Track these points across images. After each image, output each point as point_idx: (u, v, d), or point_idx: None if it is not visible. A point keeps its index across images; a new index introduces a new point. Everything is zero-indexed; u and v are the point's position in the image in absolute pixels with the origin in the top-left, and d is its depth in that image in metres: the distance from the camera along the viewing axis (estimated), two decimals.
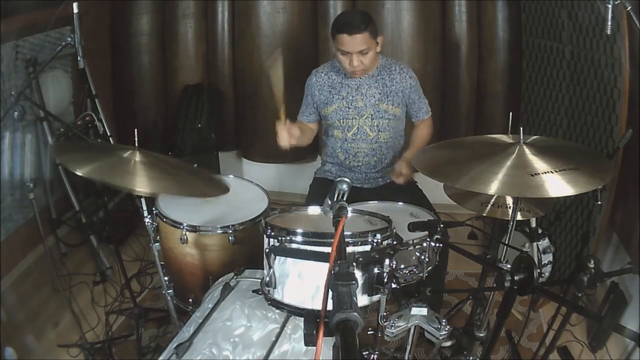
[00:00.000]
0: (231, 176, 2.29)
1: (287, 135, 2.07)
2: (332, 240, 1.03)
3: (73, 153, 1.84)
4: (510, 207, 2.04)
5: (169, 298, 2.07)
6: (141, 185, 1.70)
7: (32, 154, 2.68)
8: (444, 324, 1.50)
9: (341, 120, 2.29)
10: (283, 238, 1.31)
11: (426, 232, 1.69)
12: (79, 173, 1.65)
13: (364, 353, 1.74)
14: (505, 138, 1.72)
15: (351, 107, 2.26)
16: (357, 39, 2.06)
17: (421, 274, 1.74)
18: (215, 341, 1.42)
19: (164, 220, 1.96)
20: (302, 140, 2.26)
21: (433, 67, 3.13)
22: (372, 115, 2.26)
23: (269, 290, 1.36)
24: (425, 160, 1.74)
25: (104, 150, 2.00)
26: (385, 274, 1.29)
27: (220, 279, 1.76)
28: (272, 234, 1.34)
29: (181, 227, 1.92)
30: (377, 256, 1.29)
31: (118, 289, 2.68)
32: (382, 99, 2.25)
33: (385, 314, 1.51)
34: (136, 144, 1.84)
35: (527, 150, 1.58)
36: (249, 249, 1.96)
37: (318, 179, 2.47)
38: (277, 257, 1.32)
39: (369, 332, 1.69)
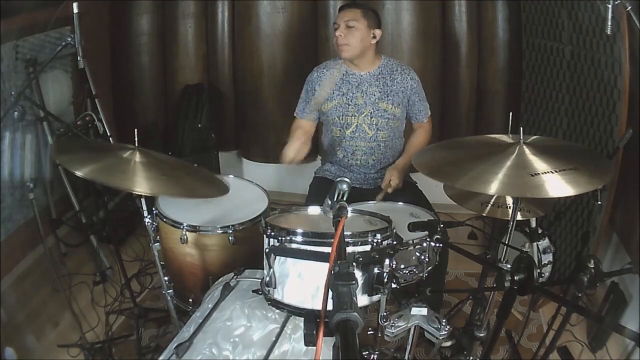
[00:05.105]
0: (231, 176, 2.29)
1: (294, 153, 2.14)
2: (332, 240, 1.03)
3: (73, 153, 1.84)
4: (510, 207, 2.04)
5: (169, 298, 2.06)
6: (141, 185, 1.69)
7: (32, 154, 2.68)
8: (444, 324, 1.49)
9: (340, 117, 2.29)
10: (283, 238, 1.31)
11: (426, 232, 1.69)
12: (78, 174, 1.65)
13: (364, 353, 1.74)
14: (505, 138, 1.72)
15: (351, 104, 2.27)
16: (349, 11, 2.19)
17: (421, 274, 1.73)
18: (215, 341, 1.42)
19: (164, 220, 1.96)
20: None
21: (433, 67, 3.13)
22: (371, 113, 2.26)
23: (269, 290, 1.37)
24: (425, 160, 1.74)
25: (103, 150, 2.00)
26: (385, 274, 1.29)
27: (220, 279, 1.76)
28: (272, 234, 1.34)
29: (181, 227, 1.92)
30: (377, 256, 1.29)
31: (118, 289, 2.68)
32: (382, 98, 2.25)
33: (385, 314, 1.50)
34: (136, 144, 1.84)
35: (527, 150, 1.57)
36: (249, 249, 1.96)
37: (318, 179, 2.47)
38: (277, 257, 1.32)
39: (369, 332, 1.69)
